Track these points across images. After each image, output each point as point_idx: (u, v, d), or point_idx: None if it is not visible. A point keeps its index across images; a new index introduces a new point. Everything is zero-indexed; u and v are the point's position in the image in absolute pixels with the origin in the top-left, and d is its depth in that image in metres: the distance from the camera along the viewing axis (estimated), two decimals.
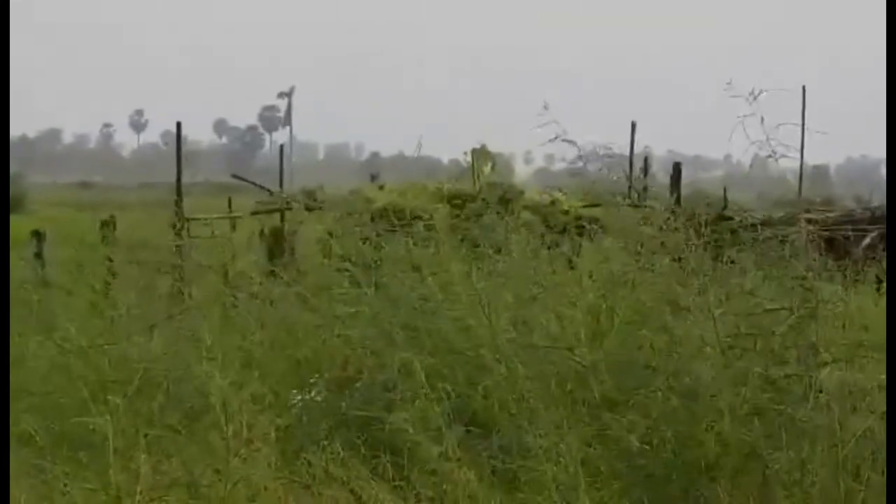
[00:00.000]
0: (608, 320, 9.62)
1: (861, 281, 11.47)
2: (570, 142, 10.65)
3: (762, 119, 10.07)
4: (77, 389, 9.19)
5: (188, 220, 17.76)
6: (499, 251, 11.19)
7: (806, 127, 14.53)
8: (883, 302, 9.92)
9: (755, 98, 9.97)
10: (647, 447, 8.55)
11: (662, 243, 10.39)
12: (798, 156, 23.45)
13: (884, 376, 9.05)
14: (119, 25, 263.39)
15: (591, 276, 10.36)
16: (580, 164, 10.95)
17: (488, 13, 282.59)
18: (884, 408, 8.44)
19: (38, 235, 17.30)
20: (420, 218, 14.00)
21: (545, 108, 10.63)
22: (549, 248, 11.39)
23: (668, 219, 10.82)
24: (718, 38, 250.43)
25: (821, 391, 8.62)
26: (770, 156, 10.52)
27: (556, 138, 10.57)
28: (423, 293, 10.50)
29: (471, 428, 8.77)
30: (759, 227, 11.79)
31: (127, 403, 8.33)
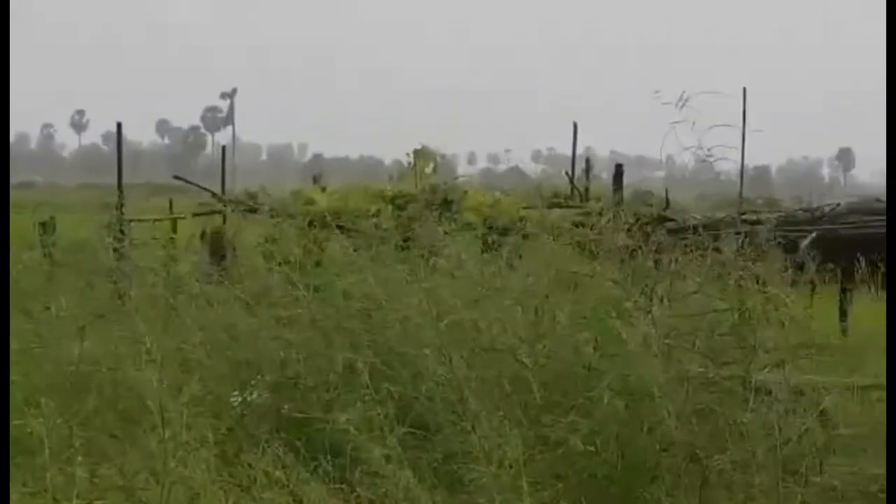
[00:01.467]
0: (549, 322, 9.62)
1: (800, 283, 11.52)
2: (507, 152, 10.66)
3: (693, 123, 10.10)
4: (11, 393, 9.13)
5: (129, 221, 17.66)
6: (440, 252, 11.19)
7: (747, 128, 14.58)
8: (820, 303, 9.99)
9: (682, 104, 9.99)
10: (590, 449, 8.56)
11: (599, 246, 10.42)
12: (739, 157, 23.59)
13: (821, 377, 9.13)
14: (59, 24, 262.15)
15: (530, 278, 10.37)
16: (519, 165, 10.96)
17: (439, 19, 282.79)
18: (821, 406, 8.51)
19: None
20: (363, 219, 13.95)
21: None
22: (491, 249, 11.39)
23: (610, 220, 10.85)
24: (663, 38, 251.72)
25: (761, 392, 8.67)
26: (705, 159, 10.56)
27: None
28: (364, 294, 10.48)
29: (412, 430, 8.76)
30: (699, 228, 11.80)
31: (62, 406, 8.28)
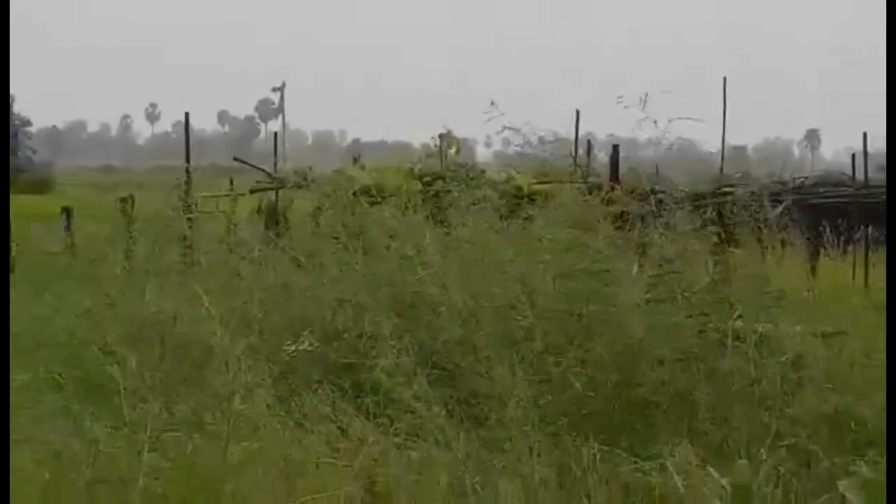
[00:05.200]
0: (555, 280, 9.63)
1: (772, 246, 11.51)
2: (514, 129, 10.66)
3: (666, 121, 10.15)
4: (96, 341, 9.18)
5: (196, 197, 17.70)
6: (462, 221, 11.18)
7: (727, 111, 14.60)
8: (790, 262, 9.98)
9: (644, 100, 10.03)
10: (591, 390, 8.58)
11: (598, 213, 10.43)
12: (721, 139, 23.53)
13: (791, 325, 9.13)
14: (134, 30, 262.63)
15: (540, 241, 10.38)
16: (529, 149, 10.94)
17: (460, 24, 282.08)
18: (790, 353, 8.53)
19: (67, 211, 17.21)
20: (395, 194, 13.93)
21: (492, 104, 10.68)
22: (504, 218, 11.37)
23: (607, 192, 10.86)
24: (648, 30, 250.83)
25: (736, 339, 8.69)
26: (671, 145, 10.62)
27: (503, 130, 10.58)
28: (400, 255, 10.50)
29: (436, 372, 8.78)
30: (684, 199, 11.79)
31: (139, 353, 8.31)
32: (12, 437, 7.39)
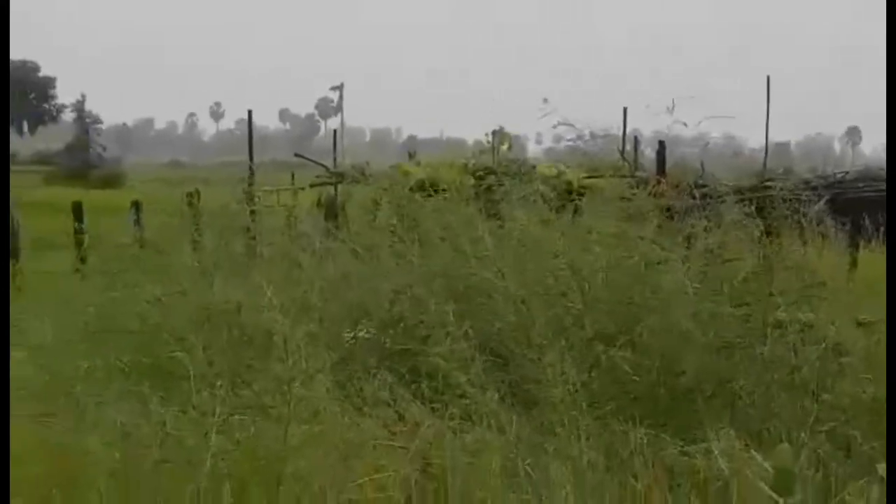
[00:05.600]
0: (601, 271, 9.63)
1: (814, 238, 11.46)
2: (569, 125, 10.63)
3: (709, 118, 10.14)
4: (166, 328, 9.26)
5: (259, 191, 17.80)
6: (514, 214, 11.18)
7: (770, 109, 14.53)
8: (831, 254, 9.93)
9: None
10: (638, 376, 8.58)
11: (645, 206, 10.41)
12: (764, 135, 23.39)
13: (832, 315, 9.08)
14: (196, 28, 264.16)
15: (589, 233, 10.38)
16: (580, 143, 10.91)
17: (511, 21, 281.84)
18: (830, 341, 8.49)
19: (136, 205, 17.35)
20: (449, 188, 13.94)
21: (545, 101, 10.66)
22: (555, 210, 11.36)
23: (654, 186, 10.84)
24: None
25: (778, 327, 8.66)
26: (708, 142, 10.59)
27: (557, 125, 10.55)
28: (455, 247, 10.52)
29: (490, 358, 8.80)
30: (729, 193, 11.77)
31: (206, 340, 8.39)
32: (84, 419, 7.49)
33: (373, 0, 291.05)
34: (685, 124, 10.25)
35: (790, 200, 10.59)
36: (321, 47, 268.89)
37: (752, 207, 10.37)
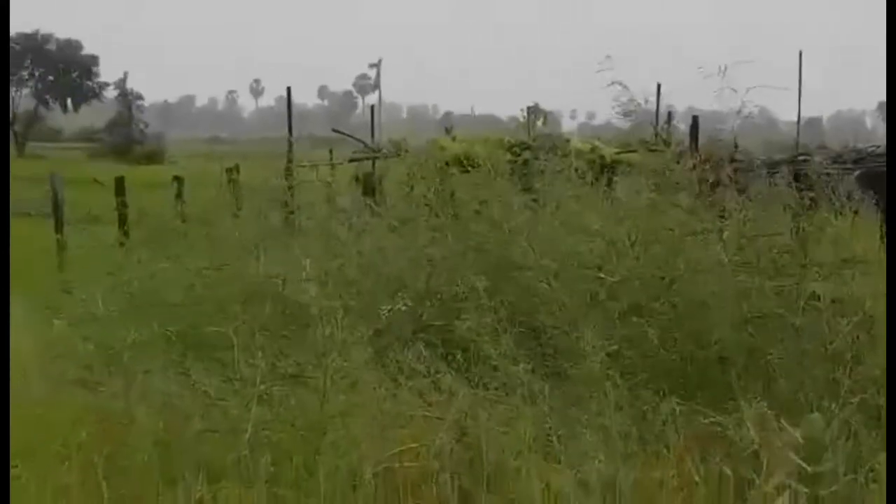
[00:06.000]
0: (636, 243, 9.60)
1: (847, 211, 11.38)
2: (623, 85, 10.53)
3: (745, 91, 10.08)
4: (209, 301, 9.32)
5: (297, 166, 17.82)
6: (549, 189, 11.16)
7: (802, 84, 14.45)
8: (860, 226, 9.85)
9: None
10: (671, 348, 8.57)
11: (679, 180, 10.36)
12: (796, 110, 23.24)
13: (865, 287, 9.01)
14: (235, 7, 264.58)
15: (624, 206, 10.36)
16: (631, 105, 10.82)
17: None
18: (862, 313, 8.42)
19: (178, 180, 17.37)
20: (485, 163, 13.92)
21: (607, 57, 10.58)
22: (590, 184, 11.33)
23: (688, 160, 10.79)
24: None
25: (812, 299, 8.61)
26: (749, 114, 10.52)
27: (611, 84, 10.46)
28: (490, 220, 10.52)
29: (523, 330, 8.81)
30: (762, 167, 11.72)
31: (248, 312, 8.44)
32: (130, 388, 7.54)
33: None
34: (734, 90, 10.16)
35: (823, 174, 10.54)
36: (360, 26, 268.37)
37: (787, 181, 10.32)
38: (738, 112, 10.34)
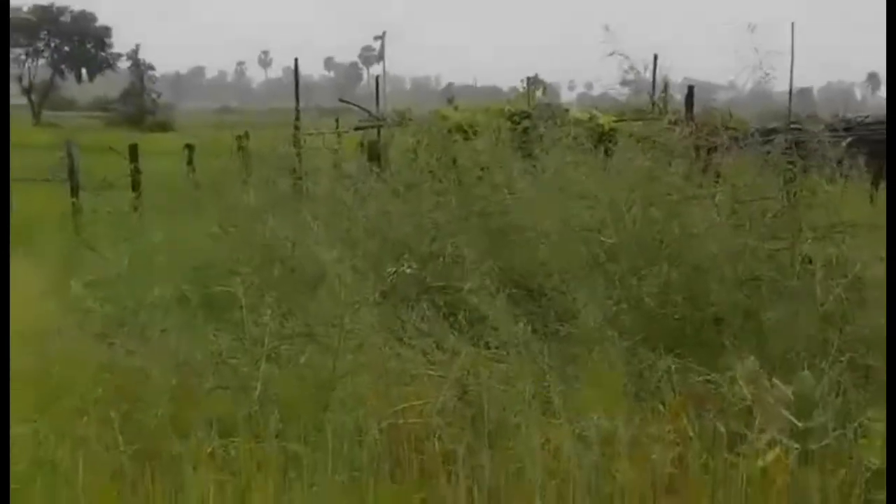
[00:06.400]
0: (631, 208, 9.61)
1: (837, 177, 11.37)
2: (623, 55, 10.49)
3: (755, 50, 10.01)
4: (219, 262, 9.32)
5: (305, 134, 17.79)
6: (547, 156, 11.14)
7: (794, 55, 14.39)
8: (850, 191, 9.84)
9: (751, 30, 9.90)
10: (667, 308, 8.57)
11: (675, 147, 10.35)
12: (788, 81, 23.17)
13: (855, 250, 9.01)
14: None
15: (621, 172, 10.34)
16: (630, 74, 10.78)
17: None
18: (852, 274, 8.42)
19: (189, 148, 17.36)
20: (486, 131, 13.89)
21: (606, 28, 10.53)
22: (588, 151, 11.30)
23: (684, 128, 10.78)
24: None
25: (804, 262, 8.61)
26: (762, 78, 10.46)
27: (612, 53, 10.41)
28: (491, 185, 10.51)
29: (523, 292, 8.81)
30: (755, 135, 11.68)
31: (258, 273, 8.45)
32: (144, 347, 7.56)
33: None
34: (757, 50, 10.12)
35: (814, 142, 10.51)
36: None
37: (779, 149, 10.30)
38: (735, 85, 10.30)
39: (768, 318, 8.20)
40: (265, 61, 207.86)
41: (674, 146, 10.47)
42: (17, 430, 6.75)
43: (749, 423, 6.30)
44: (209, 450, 6.64)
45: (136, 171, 17.37)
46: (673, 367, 7.41)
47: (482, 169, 10.92)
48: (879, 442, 5.81)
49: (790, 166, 9.88)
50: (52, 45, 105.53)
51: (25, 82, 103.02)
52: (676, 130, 10.76)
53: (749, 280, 8.54)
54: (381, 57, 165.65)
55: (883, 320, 7.90)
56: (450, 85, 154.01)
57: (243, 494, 6.55)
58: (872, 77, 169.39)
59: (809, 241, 8.85)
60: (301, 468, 6.57)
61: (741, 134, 12.55)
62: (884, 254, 9.19)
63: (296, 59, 24.65)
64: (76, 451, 6.53)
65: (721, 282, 8.52)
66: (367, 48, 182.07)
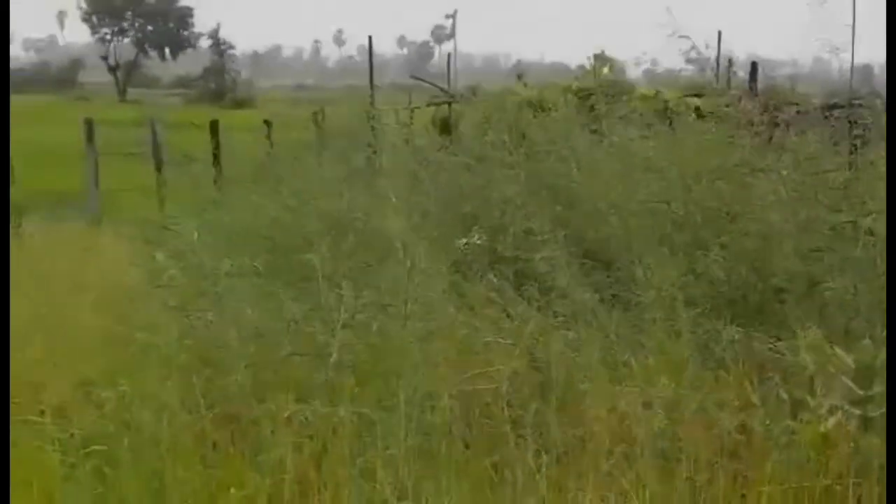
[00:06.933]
0: (698, 180, 9.53)
1: None
2: (685, 36, 10.39)
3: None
4: (297, 233, 9.37)
5: (378, 110, 17.82)
6: (614, 130, 11.07)
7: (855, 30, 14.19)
8: None
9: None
10: (732, 278, 8.51)
11: (739, 121, 10.26)
12: (849, 57, 22.85)
13: None
14: None
15: (687, 146, 10.27)
16: (693, 53, 10.67)
17: None
18: None
19: (267, 123, 17.44)
20: (554, 107, 13.81)
21: (668, 10, 10.44)
22: (654, 126, 11.21)
23: (748, 103, 10.68)
24: None
25: (867, 233, 8.50)
26: (829, 52, 10.34)
27: (673, 34, 10.31)
28: (559, 157, 10.47)
29: (591, 262, 8.78)
30: (818, 110, 11.57)
31: (334, 244, 8.47)
32: (224, 315, 7.62)
33: None
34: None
35: (875, 116, 10.38)
36: None
37: (842, 123, 10.18)
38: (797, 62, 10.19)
39: (830, 288, 8.10)
40: (340, 39, 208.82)
41: (738, 120, 10.37)
42: (105, 393, 6.85)
43: (811, 391, 6.25)
44: (286, 414, 6.68)
45: (217, 146, 17.52)
46: (737, 336, 7.36)
47: (551, 143, 10.86)
48: None
49: (854, 140, 9.76)
50: (137, 25, 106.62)
51: (112, 61, 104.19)
52: (741, 105, 10.65)
53: (812, 251, 8.44)
54: (452, 35, 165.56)
55: None
56: (518, 62, 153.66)
57: (319, 457, 6.60)
58: None
59: (873, 214, 8.71)
60: (375, 432, 6.60)
61: (804, 108, 12.42)
62: None
63: (370, 37, 24.72)
64: (160, 415, 6.61)
65: (785, 253, 8.43)
66: (438, 26, 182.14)
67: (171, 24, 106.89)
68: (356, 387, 6.91)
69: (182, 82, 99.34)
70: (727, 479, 6.24)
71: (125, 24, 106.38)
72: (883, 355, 5.97)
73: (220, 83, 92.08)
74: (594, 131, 11.52)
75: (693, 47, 10.45)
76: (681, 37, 10.23)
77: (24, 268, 11.59)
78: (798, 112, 11.50)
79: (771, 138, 10.22)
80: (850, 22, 18.33)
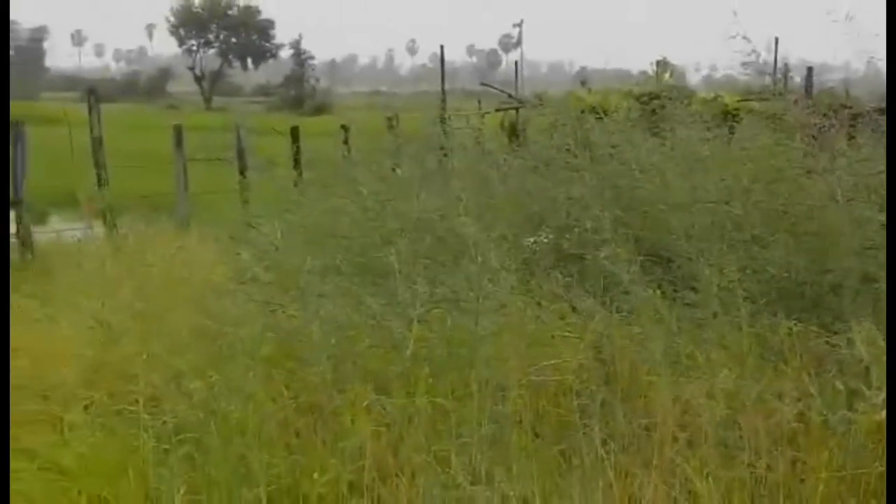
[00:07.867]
0: (757, 181, 9.45)
1: None
2: (746, 39, 10.29)
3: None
4: (373, 232, 9.42)
5: (450, 115, 17.85)
6: (675, 133, 11.00)
7: None
8: None
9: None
10: (790, 275, 8.44)
11: (795, 125, 10.15)
12: None
13: None
14: None
15: (745, 148, 10.19)
16: (752, 56, 10.56)
17: None
18: None
19: (344, 128, 17.53)
20: (617, 112, 13.75)
21: (734, 13, 10.35)
22: (712, 129, 11.12)
23: (804, 107, 10.57)
24: None
25: None
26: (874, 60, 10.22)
27: (735, 36, 10.22)
28: (622, 160, 10.43)
29: (653, 259, 8.75)
30: (872, 113, 11.42)
31: (410, 243, 8.51)
32: (306, 310, 7.68)
33: None
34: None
35: None
36: None
37: None
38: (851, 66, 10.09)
39: (884, 284, 8.01)
40: (412, 48, 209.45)
41: (795, 123, 10.27)
42: (195, 384, 6.95)
43: (867, 382, 6.21)
44: (365, 403, 6.74)
45: (298, 151, 17.67)
46: (794, 329, 7.30)
47: (614, 146, 10.82)
48: None
49: None
50: (221, 37, 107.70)
51: (198, 71, 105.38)
52: (796, 108, 10.55)
53: (866, 249, 8.34)
54: (518, 43, 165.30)
55: None
56: (583, 69, 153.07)
57: (396, 444, 6.65)
58: None
59: None
60: (449, 421, 6.64)
61: (857, 112, 12.27)
62: None
63: (441, 46, 24.92)
64: (246, 404, 6.69)
65: (840, 251, 8.34)
66: (506, 35, 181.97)
67: (254, 36, 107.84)
68: (431, 378, 6.95)
69: (263, 90, 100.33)
70: (786, 465, 6.21)
71: (210, 37, 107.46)
72: None
73: (300, 91, 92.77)
74: (655, 134, 11.46)
75: (753, 51, 10.34)
76: (743, 38, 10.14)
77: (119, 267, 11.78)
78: (852, 115, 11.35)
79: (826, 141, 10.10)
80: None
